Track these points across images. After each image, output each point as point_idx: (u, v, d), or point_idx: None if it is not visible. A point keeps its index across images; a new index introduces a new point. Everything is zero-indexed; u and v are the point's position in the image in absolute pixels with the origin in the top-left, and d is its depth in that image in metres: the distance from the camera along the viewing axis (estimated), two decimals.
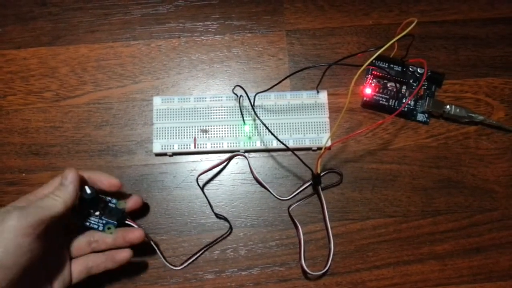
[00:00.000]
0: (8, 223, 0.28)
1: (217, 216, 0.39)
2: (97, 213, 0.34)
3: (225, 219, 0.38)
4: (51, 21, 0.43)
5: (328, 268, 0.37)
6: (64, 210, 0.31)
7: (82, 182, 0.33)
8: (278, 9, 0.44)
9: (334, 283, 0.37)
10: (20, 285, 0.29)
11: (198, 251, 0.38)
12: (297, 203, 0.39)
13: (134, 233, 0.34)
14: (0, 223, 0.28)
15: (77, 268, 0.33)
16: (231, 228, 0.38)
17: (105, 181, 0.34)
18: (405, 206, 0.39)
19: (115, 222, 0.34)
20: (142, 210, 0.39)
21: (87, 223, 0.34)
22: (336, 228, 0.38)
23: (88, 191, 0.33)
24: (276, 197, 0.39)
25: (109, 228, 0.34)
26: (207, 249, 0.38)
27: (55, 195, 0.31)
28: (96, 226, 0.34)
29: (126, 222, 0.35)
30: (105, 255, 0.34)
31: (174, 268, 0.37)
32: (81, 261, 0.33)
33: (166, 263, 0.37)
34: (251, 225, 0.39)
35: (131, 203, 0.36)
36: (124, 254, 0.33)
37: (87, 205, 0.34)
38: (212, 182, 0.40)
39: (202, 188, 0.39)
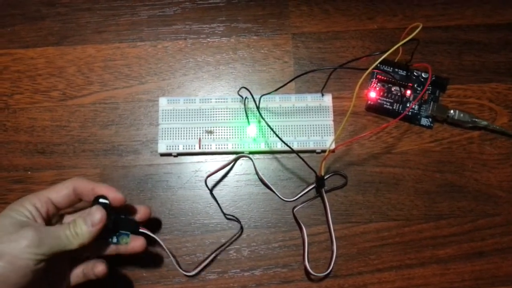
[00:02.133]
0: (21, 243, 0.27)
1: (227, 217, 0.39)
2: (111, 225, 0.33)
3: (237, 220, 0.38)
4: (59, 21, 0.44)
5: (331, 271, 0.37)
6: (78, 249, 0.30)
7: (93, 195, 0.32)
8: (284, 12, 0.44)
9: (336, 286, 0.38)
10: None
11: (210, 255, 0.38)
12: (301, 205, 0.39)
13: (136, 242, 0.33)
14: (13, 241, 0.28)
15: (75, 272, 0.33)
16: (241, 228, 0.38)
17: (111, 196, 0.32)
18: (408, 210, 0.39)
19: (129, 233, 0.34)
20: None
21: (102, 237, 0.33)
22: (339, 231, 0.39)
23: (103, 201, 0.32)
24: (280, 199, 0.39)
25: (123, 239, 0.33)
26: (221, 251, 0.38)
27: (76, 233, 0.30)
28: (110, 239, 0.33)
29: (140, 230, 0.34)
30: (92, 264, 0.33)
31: (188, 274, 0.37)
32: (80, 266, 0.33)
33: (180, 269, 0.36)
34: (254, 226, 0.39)
35: (140, 215, 0.35)
36: (99, 269, 0.32)
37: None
38: (216, 183, 0.40)
39: (211, 191, 0.39)
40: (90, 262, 0.33)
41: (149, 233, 0.34)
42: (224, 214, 0.39)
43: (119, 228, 0.33)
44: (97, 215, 0.31)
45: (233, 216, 0.39)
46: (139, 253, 0.34)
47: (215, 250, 0.38)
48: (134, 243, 0.33)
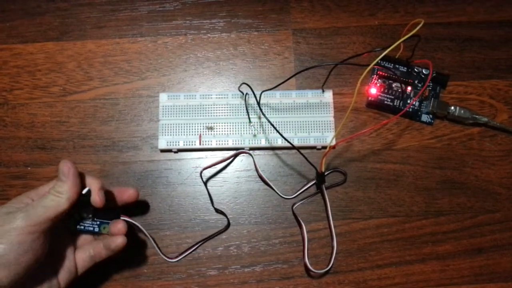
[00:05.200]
0: (14, 224, 0.28)
1: (217, 211, 0.39)
2: (90, 215, 0.34)
3: (224, 214, 0.39)
4: (58, 16, 0.43)
5: (331, 267, 0.37)
6: (69, 206, 0.30)
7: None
8: (285, 8, 0.44)
9: (337, 282, 0.38)
10: (25, 281, 0.29)
11: (194, 245, 0.38)
12: (301, 202, 0.39)
13: (116, 226, 0.33)
14: (5, 224, 0.28)
15: (81, 257, 0.33)
16: (228, 223, 0.38)
17: (93, 194, 0.32)
18: (408, 206, 0.39)
19: (109, 221, 0.34)
20: (147, 205, 0.39)
21: (82, 227, 0.34)
22: (339, 227, 0.39)
23: (84, 191, 0.32)
24: (280, 195, 0.39)
25: (104, 228, 0.34)
26: (202, 244, 0.38)
27: (58, 192, 0.30)
28: (91, 229, 0.34)
29: (122, 219, 0.34)
30: (103, 243, 0.33)
31: (169, 260, 0.37)
32: (84, 250, 0.33)
33: (161, 254, 0.37)
34: (254, 222, 0.39)
35: (125, 197, 0.35)
36: (118, 241, 0.33)
37: (81, 207, 0.33)
38: (216, 179, 0.40)
39: (205, 183, 0.39)
40: (100, 241, 0.33)
41: (130, 220, 0.34)
42: (215, 209, 0.39)
43: (100, 217, 0.34)
44: (64, 166, 0.31)
45: (221, 211, 0.39)
46: (127, 233, 0.33)
47: (199, 241, 0.38)
48: (114, 228, 0.33)
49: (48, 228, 0.29)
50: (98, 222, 0.34)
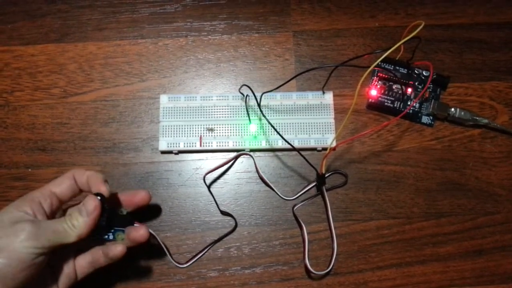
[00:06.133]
0: (19, 239, 0.27)
1: (223, 213, 0.39)
2: (104, 223, 0.33)
3: (231, 215, 0.39)
4: (59, 18, 0.43)
5: (331, 268, 0.37)
6: (77, 241, 0.30)
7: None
8: (285, 10, 0.44)
9: (337, 283, 0.38)
10: None
11: (204, 249, 0.38)
12: (302, 203, 0.39)
13: (139, 232, 0.33)
14: (11, 236, 0.27)
15: (80, 263, 0.33)
16: (236, 225, 0.38)
17: (97, 186, 0.32)
18: (409, 207, 0.39)
19: (124, 229, 0.33)
20: (147, 207, 0.39)
21: (98, 236, 0.33)
22: (340, 229, 0.39)
23: (98, 197, 0.31)
24: (280, 197, 0.39)
25: (119, 235, 0.33)
26: (211, 246, 0.38)
27: (73, 225, 0.30)
28: (106, 236, 0.33)
29: (135, 225, 0.34)
30: (102, 250, 0.33)
31: (180, 266, 0.37)
32: (84, 256, 0.33)
33: (172, 261, 0.37)
34: (255, 223, 0.39)
35: (137, 200, 0.35)
36: (118, 250, 0.32)
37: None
38: (217, 180, 0.40)
39: (208, 187, 0.39)
40: (99, 248, 0.33)
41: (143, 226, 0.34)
42: (220, 211, 0.39)
43: (113, 225, 0.33)
44: (91, 203, 0.30)
45: (228, 213, 0.39)
46: (143, 244, 0.33)
47: (209, 244, 0.38)
48: (136, 233, 0.33)
49: (51, 251, 0.29)
50: (112, 230, 0.33)
